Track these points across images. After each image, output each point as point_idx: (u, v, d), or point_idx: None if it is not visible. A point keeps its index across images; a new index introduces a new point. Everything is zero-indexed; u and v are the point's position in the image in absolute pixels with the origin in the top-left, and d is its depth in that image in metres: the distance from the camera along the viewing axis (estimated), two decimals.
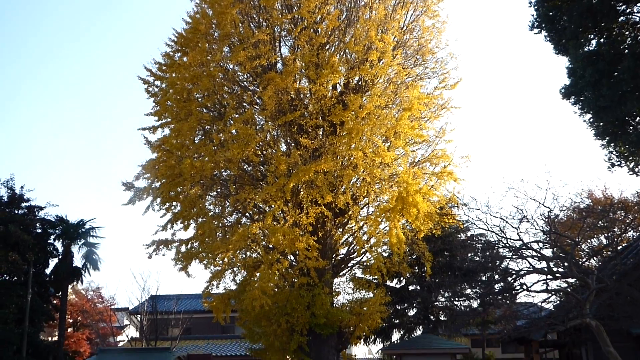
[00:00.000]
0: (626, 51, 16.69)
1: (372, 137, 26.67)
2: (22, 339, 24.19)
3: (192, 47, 27.65)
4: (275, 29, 27.53)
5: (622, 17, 17.08)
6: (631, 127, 17.88)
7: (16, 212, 26.18)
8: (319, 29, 27.06)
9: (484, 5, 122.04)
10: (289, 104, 27.08)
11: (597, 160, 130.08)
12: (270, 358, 28.93)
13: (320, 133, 28.20)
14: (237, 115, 27.28)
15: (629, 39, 17.08)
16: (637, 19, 17.07)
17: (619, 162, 19.07)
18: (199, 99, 27.72)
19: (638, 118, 17.86)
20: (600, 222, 20.55)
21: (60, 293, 29.48)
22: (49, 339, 34.93)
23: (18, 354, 23.91)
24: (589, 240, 24.81)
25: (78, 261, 30.18)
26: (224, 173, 28.60)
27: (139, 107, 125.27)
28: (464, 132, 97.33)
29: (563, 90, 18.62)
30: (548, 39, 18.29)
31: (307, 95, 27.92)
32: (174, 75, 27.85)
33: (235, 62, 26.77)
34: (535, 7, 18.19)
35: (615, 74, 16.66)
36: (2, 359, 22.92)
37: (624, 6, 16.85)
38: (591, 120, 18.59)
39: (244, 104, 28.54)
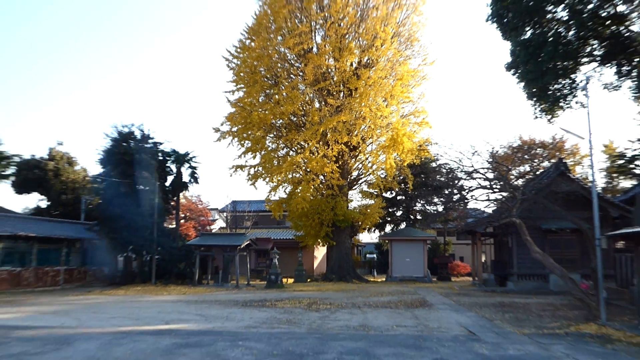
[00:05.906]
0: (549, 40, 16.06)
1: (376, 98, 26.37)
2: (153, 225, 25.15)
3: (257, 36, 27.17)
4: (312, 23, 26.81)
5: (549, 15, 16.31)
6: (549, 93, 17.44)
7: (145, 146, 26.65)
8: (342, 24, 26.31)
9: (453, 5, 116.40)
10: (322, 76, 26.76)
11: (526, 114, 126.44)
12: (308, 241, 29.82)
13: (341, 95, 27.97)
14: (287, 83, 27.13)
15: (552, 31, 16.35)
16: (559, 17, 16.29)
17: (540, 115, 18.63)
18: (262, 72, 27.55)
19: (553, 87, 17.42)
20: (526, 156, 20.20)
21: (176, 198, 30.29)
22: (169, 226, 36.20)
23: (152, 234, 24.93)
24: (517, 168, 24.50)
25: (185, 178, 30.75)
26: (278, 122, 28.71)
27: (222, 77, 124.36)
28: (438, 95, 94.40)
29: (506, 65, 18.07)
30: (498, 28, 17.61)
31: (333, 70, 27.53)
32: (245, 55, 27.54)
33: (285, 46, 26.35)
34: (491, 6, 17.48)
35: (542, 54, 16.13)
36: (143, 238, 23.99)
37: (551, 6, 16.08)
38: (524, 87, 18.12)
39: (291, 75, 28.28)
